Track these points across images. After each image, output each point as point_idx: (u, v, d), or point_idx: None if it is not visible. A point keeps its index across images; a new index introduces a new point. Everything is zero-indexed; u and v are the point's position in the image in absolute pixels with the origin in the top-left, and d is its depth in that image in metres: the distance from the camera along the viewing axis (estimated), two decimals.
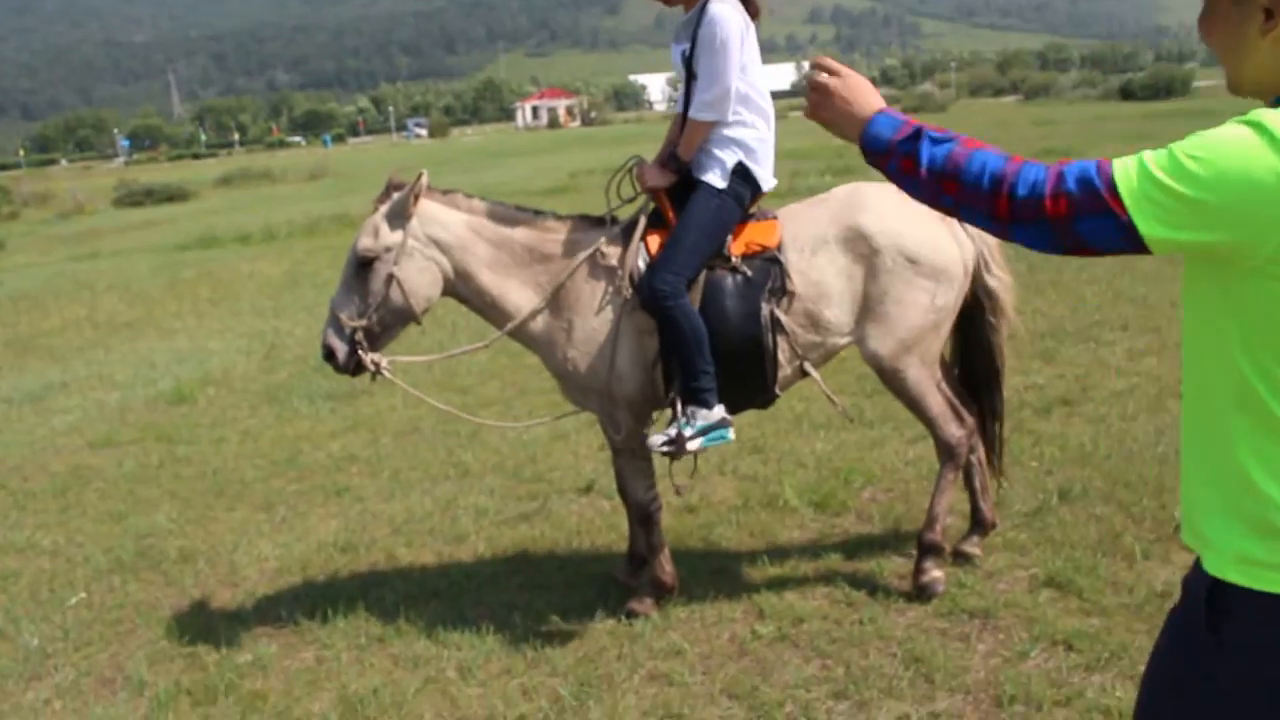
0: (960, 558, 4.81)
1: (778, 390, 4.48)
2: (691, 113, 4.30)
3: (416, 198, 4.29)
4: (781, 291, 4.35)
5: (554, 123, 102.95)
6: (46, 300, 16.51)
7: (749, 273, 4.36)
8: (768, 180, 4.48)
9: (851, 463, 6.04)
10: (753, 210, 4.52)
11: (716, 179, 4.33)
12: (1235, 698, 1.76)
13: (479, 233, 4.38)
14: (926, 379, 4.56)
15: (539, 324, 4.43)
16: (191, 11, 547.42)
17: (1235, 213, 1.63)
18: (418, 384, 7.29)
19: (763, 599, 4.63)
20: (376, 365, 4.34)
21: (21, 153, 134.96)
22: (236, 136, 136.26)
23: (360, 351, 4.30)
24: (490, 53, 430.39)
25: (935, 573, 4.56)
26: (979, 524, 4.92)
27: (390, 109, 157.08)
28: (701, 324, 4.19)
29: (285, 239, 21.59)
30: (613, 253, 4.40)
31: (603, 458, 6.48)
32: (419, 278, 4.30)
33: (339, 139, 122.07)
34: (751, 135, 4.39)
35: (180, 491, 6.93)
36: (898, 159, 1.92)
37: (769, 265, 4.37)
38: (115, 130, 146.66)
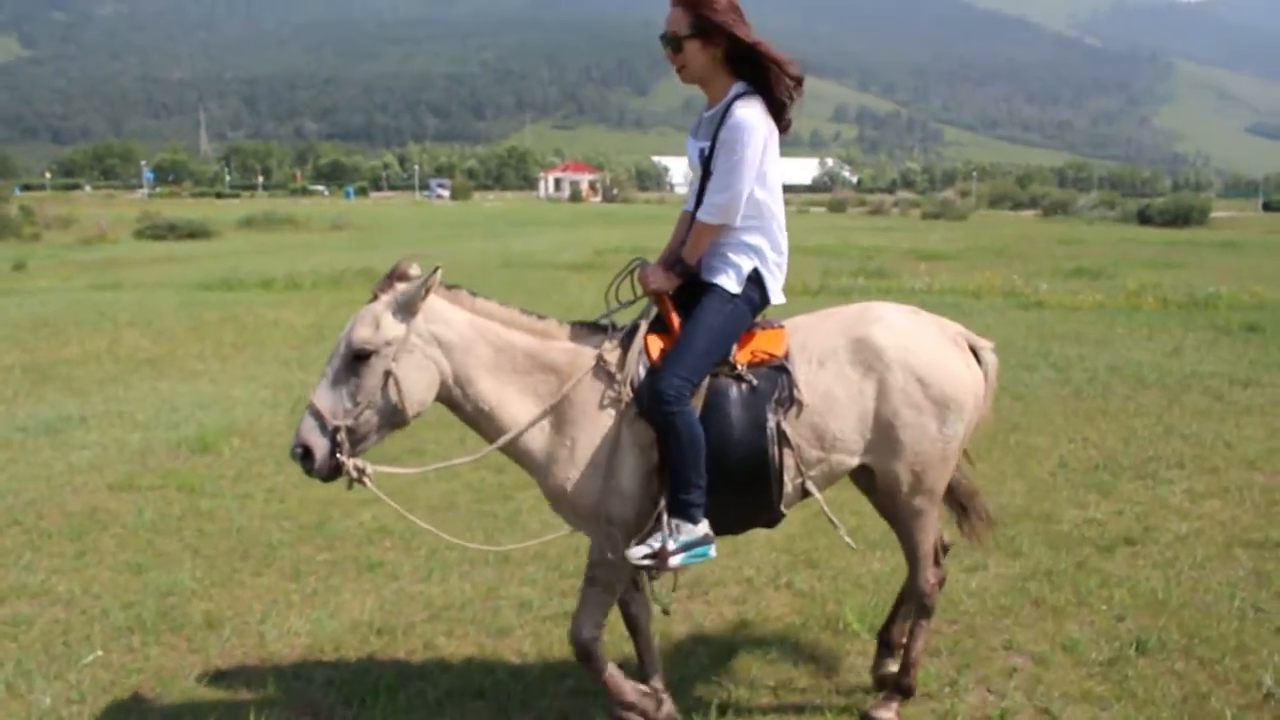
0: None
1: (783, 508, 4.21)
2: (700, 214, 4.09)
3: (428, 292, 3.90)
4: (790, 401, 4.11)
5: (576, 196, 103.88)
6: (67, 328, 16.33)
7: (755, 381, 4.11)
8: (777, 294, 4.27)
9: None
10: (756, 320, 4.32)
11: (731, 283, 4.12)
12: None
13: (482, 334, 4.03)
14: (930, 512, 4.38)
15: (536, 440, 4.06)
16: (229, 54, 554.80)
17: None
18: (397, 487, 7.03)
19: None
20: (360, 471, 3.85)
21: (48, 175, 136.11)
22: (261, 180, 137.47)
23: (339, 455, 3.82)
24: (518, 121, 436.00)
25: (892, 715, 4.47)
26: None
27: (415, 167, 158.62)
28: (701, 435, 3.93)
29: (310, 289, 21.48)
30: (614, 359, 4.11)
31: None
32: (417, 378, 3.90)
33: (361, 192, 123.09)
34: (766, 244, 4.19)
35: (203, 549, 6.65)
36: None
37: (776, 374, 4.15)
38: (142, 162, 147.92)
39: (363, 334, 3.83)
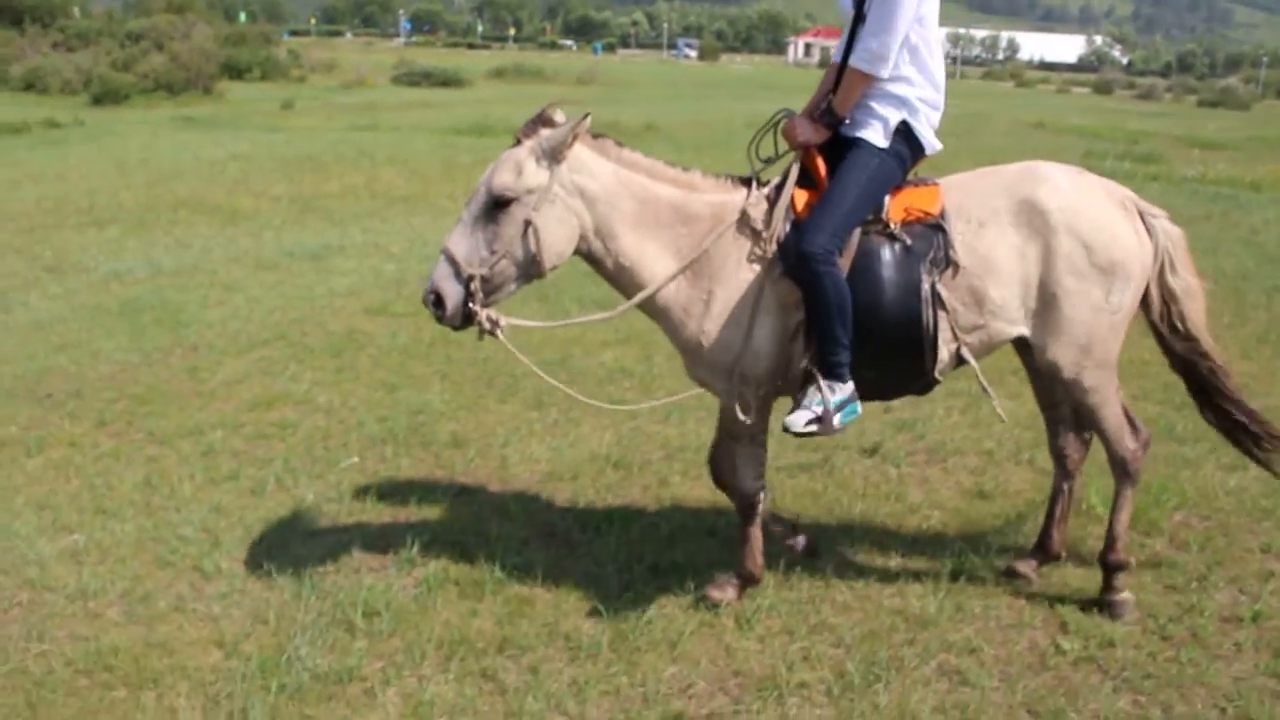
0: (1010, 574, 4.44)
1: (938, 375, 3.97)
2: (853, 60, 3.80)
3: (575, 138, 3.70)
4: (945, 263, 3.85)
5: (825, 62, 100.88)
6: (329, 164, 17.14)
7: (908, 241, 3.86)
8: (933, 142, 3.99)
9: (1162, 479, 5.42)
10: (911, 176, 4.04)
11: (878, 136, 3.86)
12: None
13: (627, 186, 3.82)
14: (1106, 384, 4.06)
15: (674, 293, 3.89)
16: None
17: None
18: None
19: (1067, 611, 4.20)
20: (494, 322, 3.72)
21: (312, 21, 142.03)
22: (512, 32, 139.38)
23: (473, 304, 3.69)
24: None
25: (1125, 593, 4.21)
26: (1042, 549, 4.50)
27: (664, 25, 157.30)
28: (848, 295, 3.73)
29: None
30: (758, 215, 3.90)
31: (888, 420, 6.10)
32: (558, 229, 3.73)
33: (609, 48, 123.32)
34: (917, 94, 3.89)
35: (451, 374, 6.94)
36: None
37: (931, 233, 3.88)
38: (400, 11, 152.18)
39: (504, 180, 3.66)
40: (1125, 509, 4.22)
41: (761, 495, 4.18)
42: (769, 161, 4.02)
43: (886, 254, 3.86)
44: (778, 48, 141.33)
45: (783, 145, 3.99)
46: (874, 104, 3.88)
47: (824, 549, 4.61)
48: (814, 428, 3.79)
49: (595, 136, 3.82)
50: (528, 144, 3.71)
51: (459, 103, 34.25)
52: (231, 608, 4.21)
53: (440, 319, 3.74)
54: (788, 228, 3.84)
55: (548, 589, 4.30)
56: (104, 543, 4.73)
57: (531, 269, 3.75)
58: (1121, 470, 4.20)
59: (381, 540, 4.71)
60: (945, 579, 4.38)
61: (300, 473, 5.38)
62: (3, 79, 41.11)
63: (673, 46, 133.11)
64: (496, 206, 3.66)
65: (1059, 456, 4.50)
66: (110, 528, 4.87)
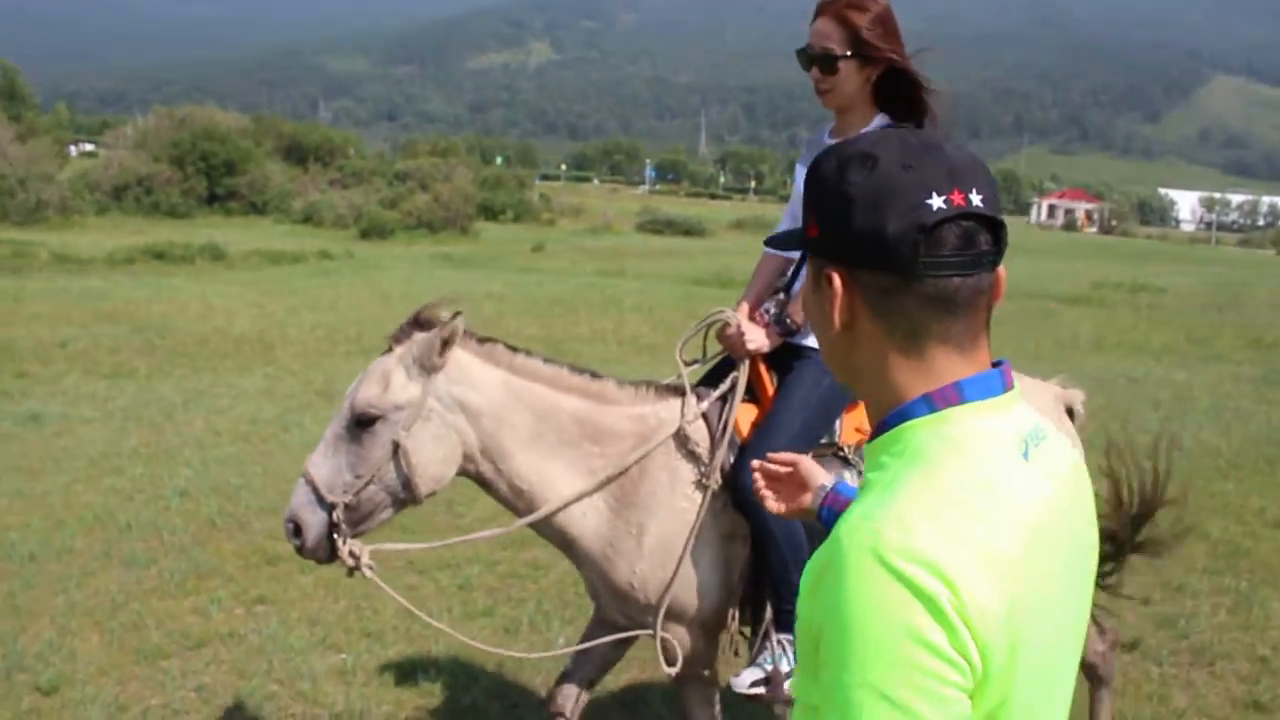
0: None
1: None
2: None
3: (446, 344, 3.12)
4: None
5: (1070, 225, 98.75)
6: (578, 308, 17.91)
7: (864, 466, 3.42)
8: None
9: None
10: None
11: None
12: None
13: (521, 398, 3.24)
14: None
15: (594, 526, 3.29)
16: (733, 63, 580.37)
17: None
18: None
19: None
20: (356, 559, 3.16)
21: (563, 167, 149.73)
22: (753, 184, 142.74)
23: (336, 534, 3.13)
24: (1014, 143, 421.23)
25: None
26: None
27: None
28: (800, 533, 3.21)
29: None
30: (698, 435, 3.35)
31: (1147, 613, 5.82)
32: (433, 450, 3.16)
33: None
34: None
35: None
36: None
37: None
38: (646, 160, 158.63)
39: (368, 394, 3.12)
40: (1104, 715, 4.06)
41: None
42: (693, 363, 3.54)
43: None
44: (1020, 208, 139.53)
45: (713, 345, 3.53)
46: None
47: None
48: (760, 689, 3.32)
49: (481, 340, 3.28)
50: (398, 350, 3.18)
51: (700, 252, 35.26)
52: None
53: (300, 551, 3.19)
54: (733, 456, 3.33)
55: None
56: (369, 665, 5.02)
57: (403, 496, 3.19)
58: (1091, 675, 4.00)
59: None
60: None
61: (552, 616, 5.56)
62: (285, 211, 45.12)
63: None
64: (360, 425, 3.12)
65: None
66: (375, 651, 5.16)
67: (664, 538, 3.26)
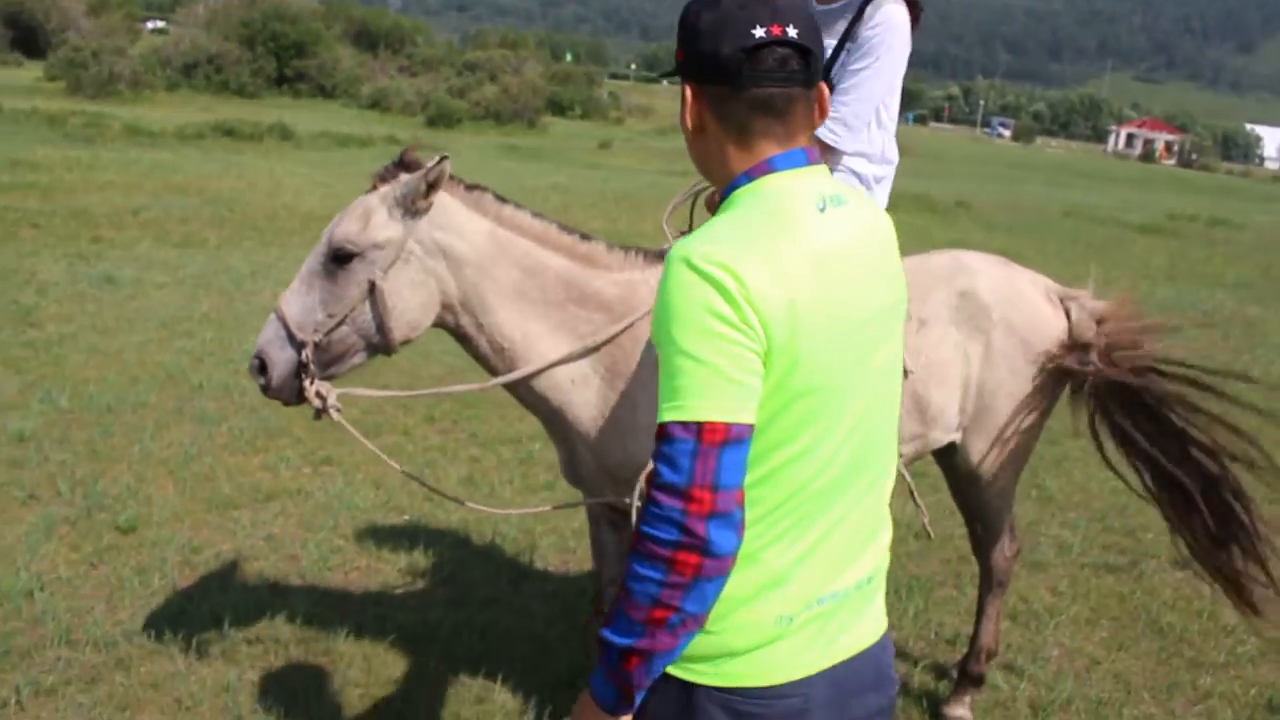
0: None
1: None
2: (823, 133, 3.21)
3: (432, 186, 2.96)
4: None
5: (1148, 155, 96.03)
6: (644, 205, 17.83)
7: None
8: None
9: None
10: None
11: None
12: None
13: (507, 251, 3.06)
14: (1012, 488, 3.83)
15: (582, 395, 3.12)
16: None
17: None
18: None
19: None
20: (323, 400, 3.03)
21: (632, 67, 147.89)
22: None
23: (304, 375, 3.01)
24: (1097, 67, 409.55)
25: (967, 711, 3.93)
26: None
27: (980, 103, 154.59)
28: None
29: None
30: None
31: None
32: (410, 295, 3.02)
33: (920, 120, 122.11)
34: (874, 171, 3.38)
35: None
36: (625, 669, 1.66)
37: None
38: None
39: (346, 230, 2.97)
40: (994, 619, 3.96)
41: None
42: (684, 234, 3.47)
43: None
44: (1097, 135, 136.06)
45: (701, 215, 3.34)
46: None
47: (1126, 650, 4.47)
48: None
49: (469, 187, 3.11)
50: (382, 190, 3.04)
51: None
52: (544, 606, 4.49)
53: (265, 389, 3.07)
54: None
55: None
56: (431, 528, 5.14)
57: (376, 341, 3.06)
58: (994, 579, 3.93)
59: None
60: (1263, 708, 4.14)
61: None
62: (353, 96, 45.10)
63: (986, 124, 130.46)
64: (336, 261, 2.99)
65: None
66: (437, 516, 5.29)
67: (655, 409, 3.13)
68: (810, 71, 1.75)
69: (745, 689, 1.72)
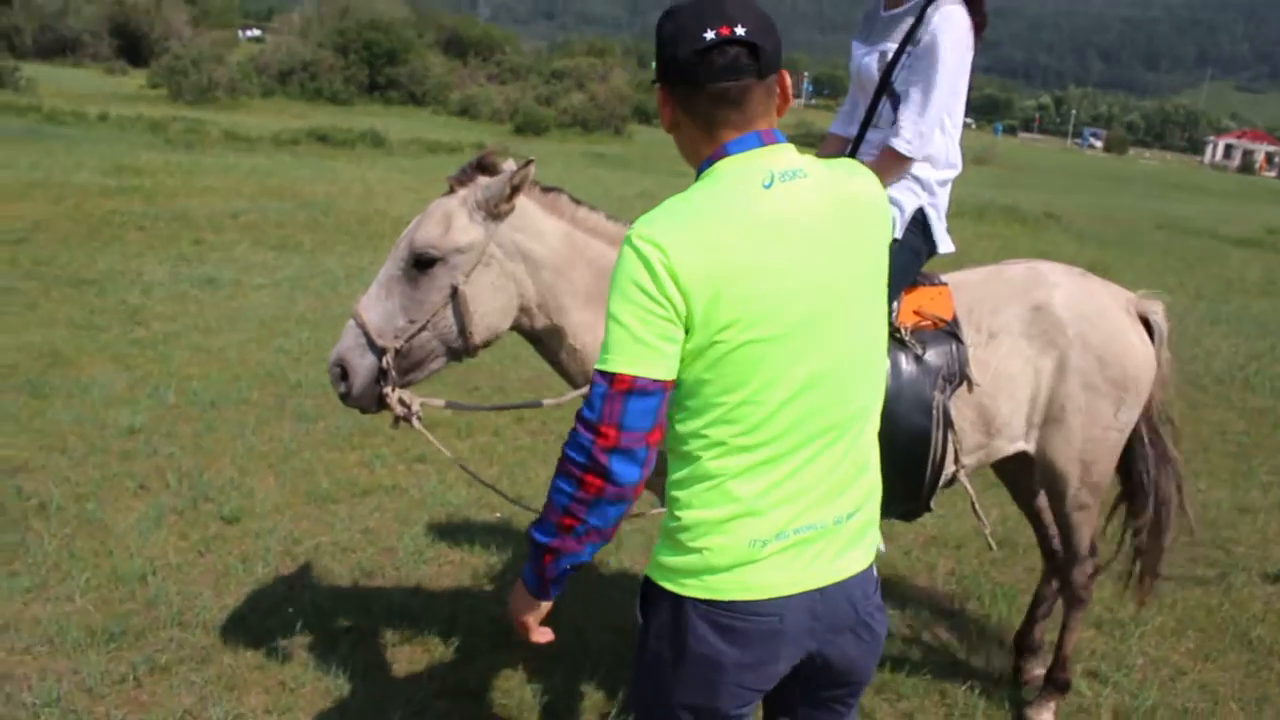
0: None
1: (930, 504, 3.51)
2: (895, 143, 3.27)
3: (516, 190, 2.97)
4: (959, 378, 3.42)
5: (1248, 167, 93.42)
6: None
7: (920, 350, 3.38)
8: (945, 241, 3.50)
9: None
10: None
11: (893, 227, 3.32)
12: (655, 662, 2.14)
13: (582, 252, 3.09)
14: (1094, 505, 3.75)
15: None
16: None
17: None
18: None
19: None
20: (407, 408, 3.09)
21: None
22: None
23: (384, 382, 3.04)
24: (1195, 76, 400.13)
25: (1048, 715, 3.95)
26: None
27: (1072, 112, 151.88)
28: None
29: (953, 218, 21.55)
30: None
31: None
32: (490, 299, 3.02)
33: (1009, 130, 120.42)
34: (938, 177, 3.40)
35: None
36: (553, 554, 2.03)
37: (944, 343, 3.42)
38: (804, 73, 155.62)
39: (429, 235, 2.97)
40: (1076, 630, 3.98)
41: None
42: None
43: (895, 364, 3.39)
44: (1193, 146, 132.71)
45: None
46: (889, 188, 3.38)
47: (1213, 661, 4.44)
48: None
49: (546, 190, 3.13)
50: (461, 193, 3.03)
51: None
52: (631, 601, 4.58)
53: (345, 398, 3.09)
54: None
55: None
56: (521, 526, 5.28)
57: (457, 345, 3.08)
58: (1075, 596, 3.91)
59: None
60: None
61: None
62: (442, 103, 45.80)
63: (1078, 135, 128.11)
64: (418, 267, 2.99)
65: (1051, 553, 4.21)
66: (527, 514, 5.41)
67: None
68: (761, 63, 1.94)
69: (725, 602, 1.99)
